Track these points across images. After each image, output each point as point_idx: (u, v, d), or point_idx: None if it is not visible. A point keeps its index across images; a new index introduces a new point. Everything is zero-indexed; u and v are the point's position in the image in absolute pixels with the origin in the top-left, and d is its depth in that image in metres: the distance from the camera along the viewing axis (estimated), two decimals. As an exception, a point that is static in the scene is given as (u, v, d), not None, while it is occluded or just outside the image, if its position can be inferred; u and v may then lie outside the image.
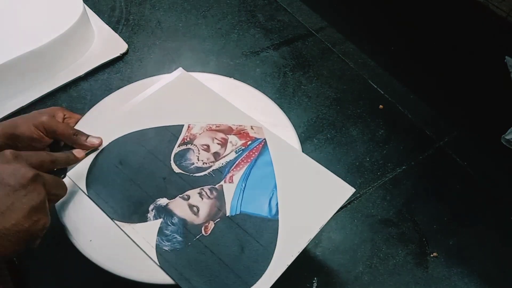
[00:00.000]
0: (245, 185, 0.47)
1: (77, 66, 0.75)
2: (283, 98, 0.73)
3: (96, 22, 0.82)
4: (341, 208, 0.61)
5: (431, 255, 0.58)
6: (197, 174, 0.48)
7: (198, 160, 0.49)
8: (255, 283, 0.41)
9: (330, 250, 0.57)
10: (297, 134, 0.54)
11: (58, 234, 0.46)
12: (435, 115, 0.73)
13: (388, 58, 0.80)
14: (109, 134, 0.52)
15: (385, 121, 0.71)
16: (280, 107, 0.57)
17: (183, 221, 0.45)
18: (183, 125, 0.52)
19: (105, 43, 0.79)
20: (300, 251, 0.43)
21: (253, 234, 0.44)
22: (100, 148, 0.51)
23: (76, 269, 0.52)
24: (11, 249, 0.36)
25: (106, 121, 0.53)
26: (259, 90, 0.59)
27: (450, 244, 0.59)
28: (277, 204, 0.46)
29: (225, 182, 0.48)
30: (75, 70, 0.74)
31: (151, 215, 0.46)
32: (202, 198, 0.47)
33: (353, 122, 0.71)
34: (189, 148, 0.51)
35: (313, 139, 0.68)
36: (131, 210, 0.47)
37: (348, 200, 0.62)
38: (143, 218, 0.46)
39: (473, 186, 0.64)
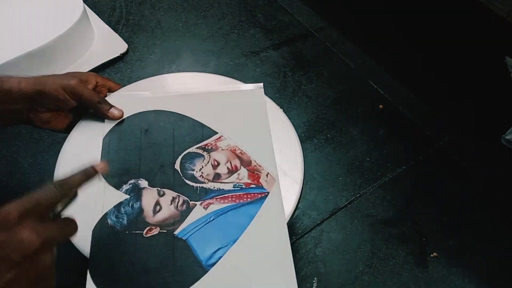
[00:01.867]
0: (213, 219, 0.45)
1: (77, 66, 0.75)
2: (283, 98, 0.73)
3: (96, 22, 0.82)
4: (341, 208, 0.61)
5: (431, 255, 0.58)
6: (187, 181, 0.48)
7: (199, 171, 0.49)
8: None
9: (330, 250, 0.57)
10: (297, 134, 0.54)
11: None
12: (435, 115, 0.73)
13: (388, 58, 0.80)
14: (154, 103, 0.54)
15: (385, 121, 0.71)
16: (280, 107, 0.57)
17: (140, 211, 0.45)
18: (216, 133, 0.51)
19: (105, 43, 0.79)
20: None
21: (177, 265, 0.42)
22: (138, 111, 0.53)
23: (75, 267, 0.52)
24: None
25: (159, 91, 0.55)
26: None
27: (450, 244, 0.59)
28: (220, 258, 0.42)
29: (200, 204, 0.46)
30: (75, 70, 0.74)
31: (125, 187, 0.47)
32: (171, 204, 0.46)
33: (353, 122, 0.71)
34: (202, 155, 0.50)
35: (313, 139, 0.68)
36: (117, 172, 0.47)
37: (348, 200, 0.62)
38: (118, 186, 0.47)
39: (473, 186, 0.64)
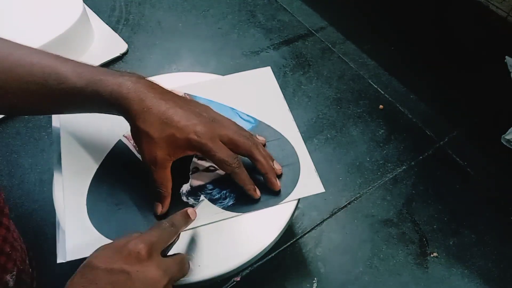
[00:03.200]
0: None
1: (77, 66, 0.75)
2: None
3: (96, 22, 0.82)
4: (341, 208, 0.61)
5: (431, 255, 0.58)
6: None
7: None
8: None
9: (330, 250, 0.57)
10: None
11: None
12: (435, 115, 0.73)
13: (388, 58, 0.80)
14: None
15: (385, 121, 0.71)
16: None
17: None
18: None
19: (105, 43, 0.79)
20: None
21: None
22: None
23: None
24: None
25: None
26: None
27: (450, 244, 0.59)
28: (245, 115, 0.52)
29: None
30: (75, 70, 0.74)
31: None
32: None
33: (353, 122, 0.71)
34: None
35: (313, 139, 0.68)
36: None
37: (348, 200, 0.62)
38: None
39: (473, 186, 0.64)
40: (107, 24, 0.82)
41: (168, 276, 0.34)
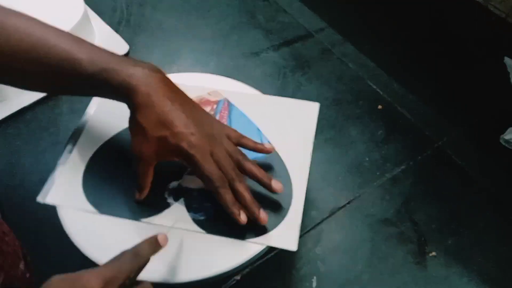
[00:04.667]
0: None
1: (78, 66, 0.75)
2: (283, 99, 0.74)
3: (97, 23, 0.82)
4: (341, 207, 0.62)
5: (430, 255, 0.58)
6: None
7: None
8: None
9: (329, 250, 0.58)
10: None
11: (58, 235, 0.46)
12: (434, 115, 0.73)
13: (387, 59, 0.81)
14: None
15: (385, 121, 0.72)
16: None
17: None
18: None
19: (106, 43, 0.79)
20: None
21: None
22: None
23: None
24: None
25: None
26: (259, 91, 0.59)
27: (449, 244, 0.59)
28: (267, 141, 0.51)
29: None
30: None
31: None
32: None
33: (353, 122, 0.71)
34: None
35: (312, 139, 0.69)
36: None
37: (347, 200, 0.62)
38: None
39: (473, 186, 0.64)
40: (108, 25, 0.83)
41: None
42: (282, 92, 0.74)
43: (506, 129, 0.68)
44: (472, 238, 0.59)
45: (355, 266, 0.56)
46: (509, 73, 0.75)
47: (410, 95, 0.76)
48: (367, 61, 0.80)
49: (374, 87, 0.76)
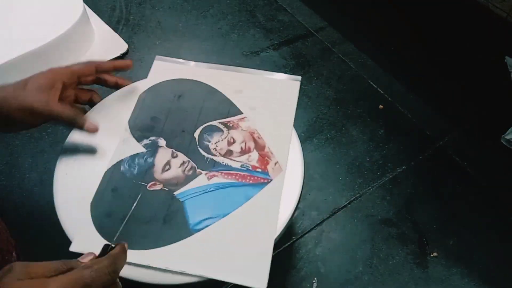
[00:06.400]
0: (212, 190, 0.48)
1: (77, 66, 0.75)
2: (283, 98, 0.73)
3: (96, 22, 0.82)
4: (341, 208, 0.61)
5: (431, 255, 0.58)
6: (201, 151, 0.51)
7: (214, 144, 0.51)
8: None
9: (330, 250, 0.57)
10: (297, 134, 0.54)
11: (57, 234, 0.46)
12: (435, 115, 0.73)
13: (388, 58, 0.80)
14: (193, 72, 0.57)
15: (385, 121, 0.71)
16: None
17: (151, 166, 0.49)
18: (241, 113, 0.54)
19: (105, 43, 0.79)
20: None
21: (167, 221, 0.46)
22: (178, 77, 0.56)
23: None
24: None
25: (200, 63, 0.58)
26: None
27: (450, 244, 0.59)
28: (207, 226, 0.45)
29: (205, 174, 0.49)
30: (75, 70, 0.74)
31: (145, 142, 0.51)
32: (180, 166, 0.49)
33: (353, 122, 0.71)
34: (221, 130, 0.53)
35: (313, 139, 0.68)
36: (142, 127, 0.52)
37: (348, 200, 0.62)
38: (139, 139, 0.51)
39: (473, 186, 0.64)
40: (107, 24, 0.82)
41: None
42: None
43: (507, 129, 0.68)
44: (472, 238, 0.59)
45: (355, 267, 0.56)
46: (510, 72, 0.75)
47: (411, 94, 0.75)
48: (368, 61, 0.80)
49: (375, 86, 0.76)
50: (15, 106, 0.44)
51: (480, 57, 0.79)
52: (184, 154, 0.50)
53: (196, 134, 0.52)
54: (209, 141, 0.52)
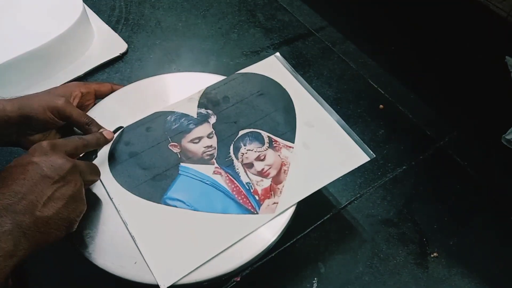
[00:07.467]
0: (207, 183, 0.48)
1: (76, 66, 0.75)
2: (283, 98, 0.73)
3: (96, 22, 0.82)
4: (342, 208, 0.61)
5: (432, 255, 0.58)
6: (231, 147, 0.51)
7: (245, 150, 0.51)
8: None
9: (330, 250, 0.57)
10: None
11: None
12: (435, 115, 0.73)
13: (388, 58, 0.80)
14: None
15: (385, 121, 0.71)
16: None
17: (188, 132, 0.52)
18: (293, 143, 0.52)
19: (104, 42, 0.79)
20: None
21: (156, 179, 0.49)
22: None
23: (77, 271, 0.52)
24: (54, 236, 0.39)
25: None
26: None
27: (450, 244, 0.59)
28: (176, 206, 0.47)
29: (215, 167, 0.50)
30: (75, 70, 0.74)
31: (201, 110, 0.55)
32: (205, 147, 0.51)
33: (353, 122, 0.71)
34: (263, 143, 0.52)
35: (313, 139, 0.68)
36: (212, 97, 0.55)
37: (348, 200, 0.62)
38: (201, 105, 0.55)
39: (473, 186, 0.64)
40: (107, 24, 0.82)
41: (71, 163, 0.41)
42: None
43: (507, 129, 0.68)
44: (473, 239, 0.59)
45: (356, 267, 0.56)
46: (510, 72, 0.75)
47: (412, 94, 0.75)
48: (368, 60, 0.80)
49: (375, 86, 0.76)
50: (38, 104, 0.47)
51: (480, 57, 0.79)
52: (217, 140, 0.51)
53: (242, 132, 0.52)
54: (245, 145, 0.51)
